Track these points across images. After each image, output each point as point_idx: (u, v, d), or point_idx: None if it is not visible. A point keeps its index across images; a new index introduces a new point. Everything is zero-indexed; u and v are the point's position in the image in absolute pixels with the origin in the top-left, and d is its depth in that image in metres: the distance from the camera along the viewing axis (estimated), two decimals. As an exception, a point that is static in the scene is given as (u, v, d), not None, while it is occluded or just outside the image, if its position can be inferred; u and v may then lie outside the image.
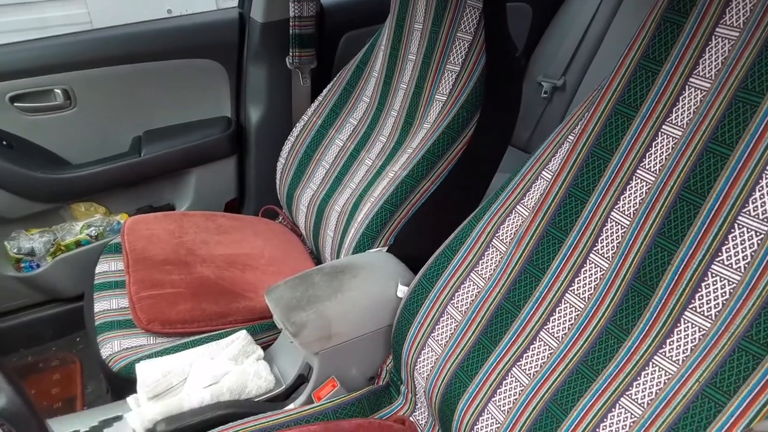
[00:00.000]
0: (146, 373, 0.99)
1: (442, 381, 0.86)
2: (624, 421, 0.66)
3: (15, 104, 1.41)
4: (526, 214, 0.85)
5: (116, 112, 1.53)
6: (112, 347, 1.09)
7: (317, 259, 1.43)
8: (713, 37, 0.68)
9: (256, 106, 1.57)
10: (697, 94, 0.69)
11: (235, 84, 1.60)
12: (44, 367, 1.50)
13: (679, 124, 0.70)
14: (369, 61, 1.34)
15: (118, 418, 0.98)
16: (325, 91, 1.41)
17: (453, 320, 0.89)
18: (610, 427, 0.67)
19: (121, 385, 1.05)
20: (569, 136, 0.82)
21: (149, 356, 1.06)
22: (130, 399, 0.99)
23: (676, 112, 0.71)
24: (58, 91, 1.44)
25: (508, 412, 0.77)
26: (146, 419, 0.92)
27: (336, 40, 1.62)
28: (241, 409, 0.95)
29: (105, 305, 1.19)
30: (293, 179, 1.42)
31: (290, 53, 1.50)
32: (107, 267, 1.31)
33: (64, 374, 1.47)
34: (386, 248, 1.13)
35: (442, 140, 1.10)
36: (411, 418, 0.96)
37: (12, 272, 1.51)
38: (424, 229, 1.13)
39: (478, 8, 1.08)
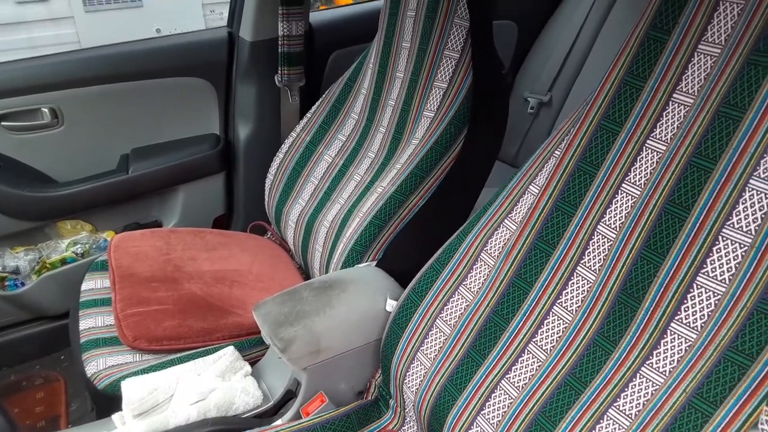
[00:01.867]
0: (132, 390, 0.98)
1: (432, 394, 0.86)
2: (613, 432, 0.67)
3: (2, 123, 1.41)
4: (514, 227, 0.85)
5: (104, 130, 1.53)
6: (97, 365, 1.07)
7: (306, 275, 1.42)
8: (696, 53, 0.70)
9: (245, 124, 1.58)
10: (680, 110, 0.70)
11: (223, 102, 1.61)
12: (28, 386, 1.47)
13: (663, 139, 0.71)
14: (357, 79, 1.35)
15: (103, 436, 0.97)
16: (313, 108, 1.42)
17: (442, 334, 0.89)
18: (599, 439, 0.67)
19: (107, 402, 1.03)
20: (555, 151, 0.84)
21: (135, 373, 1.04)
22: (116, 417, 0.98)
23: (660, 128, 0.72)
24: (46, 110, 1.44)
25: (497, 424, 0.77)
26: (132, 437, 0.91)
27: (324, 59, 1.63)
28: (228, 425, 0.94)
29: (90, 323, 1.18)
30: (282, 195, 1.42)
31: (279, 71, 1.51)
32: (93, 284, 1.29)
33: (48, 392, 1.45)
34: (375, 263, 1.13)
35: (430, 156, 1.11)
36: (400, 434, 0.95)
37: (-4, 290, 1.49)
38: (413, 243, 1.13)
39: (465, 27, 1.09)
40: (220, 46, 1.55)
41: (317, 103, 1.41)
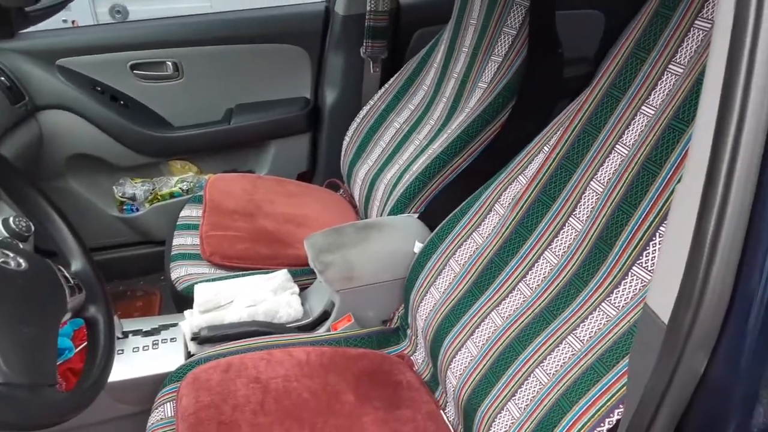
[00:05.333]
0: (201, 292, 1.18)
1: (436, 322, 0.98)
2: (566, 353, 0.76)
3: (134, 71, 1.68)
4: (524, 182, 0.95)
5: (215, 86, 1.77)
6: (179, 272, 1.30)
7: (366, 228, 1.58)
8: (692, 28, 0.76)
9: (332, 90, 1.75)
10: (671, 79, 0.77)
11: (315, 68, 1.80)
12: (131, 296, 1.75)
13: (654, 105, 0.78)
14: (432, 54, 1.48)
15: (174, 324, 1.18)
16: (392, 79, 1.56)
17: (452, 272, 1.00)
18: (554, 359, 0.77)
19: (183, 301, 1.25)
20: (570, 115, 0.92)
21: (206, 281, 1.25)
22: (187, 312, 1.19)
23: (654, 95, 0.79)
24: (170, 63, 1.70)
25: (481, 347, 0.88)
26: (194, 325, 1.11)
27: (409, 35, 1.77)
28: (269, 329, 1.12)
29: (182, 240, 1.41)
30: (354, 156, 1.58)
31: (364, 44, 1.66)
32: (189, 213, 1.53)
33: (145, 303, 1.72)
34: (417, 215, 1.26)
35: (477, 122, 1.22)
36: (411, 357, 1.08)
37: (116, 213, 1.78)
38: (452, 201, 1.24)
39: (525, 6, 1.19)
40: (317, 18, 1.74)
41: (395, 75, 1.55)
